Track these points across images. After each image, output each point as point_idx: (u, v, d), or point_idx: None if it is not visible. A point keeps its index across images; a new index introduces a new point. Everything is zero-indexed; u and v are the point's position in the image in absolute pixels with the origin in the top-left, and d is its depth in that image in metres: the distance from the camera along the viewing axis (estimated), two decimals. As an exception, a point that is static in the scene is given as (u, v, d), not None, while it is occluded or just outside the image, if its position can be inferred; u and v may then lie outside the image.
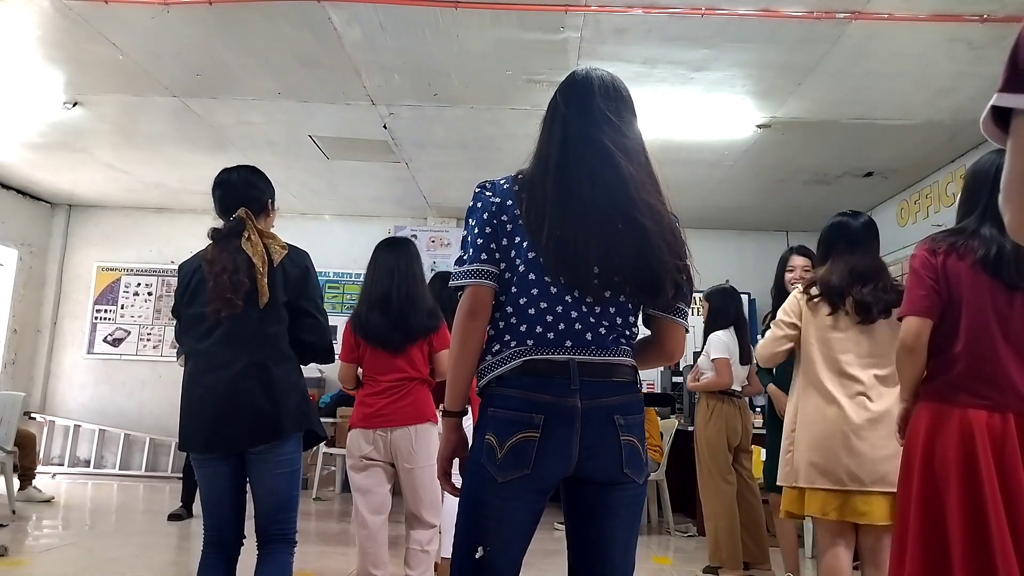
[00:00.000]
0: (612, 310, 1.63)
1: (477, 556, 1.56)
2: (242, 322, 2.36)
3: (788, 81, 4.44)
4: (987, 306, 2.05)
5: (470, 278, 1.63)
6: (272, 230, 2.62)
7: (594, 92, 1.74)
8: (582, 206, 1.60)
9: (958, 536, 1.94)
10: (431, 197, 7.32)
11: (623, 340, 1.65)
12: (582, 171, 1.63)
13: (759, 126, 5.11)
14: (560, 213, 1.60)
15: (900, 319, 2.18)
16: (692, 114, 4.97)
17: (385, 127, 5.44)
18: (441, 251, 7.81)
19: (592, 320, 1.61)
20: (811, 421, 2.73)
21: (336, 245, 7.73)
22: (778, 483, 2.88)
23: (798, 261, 3.93)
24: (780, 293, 3.99)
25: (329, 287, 7.91)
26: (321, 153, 6.05)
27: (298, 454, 2.44)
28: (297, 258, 2.52)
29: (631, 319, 1.67)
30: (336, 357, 2.82)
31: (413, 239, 8.01)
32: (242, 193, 2.53)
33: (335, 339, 2.70)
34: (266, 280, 2.39)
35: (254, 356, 2.35)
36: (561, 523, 5.35)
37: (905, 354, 2.11)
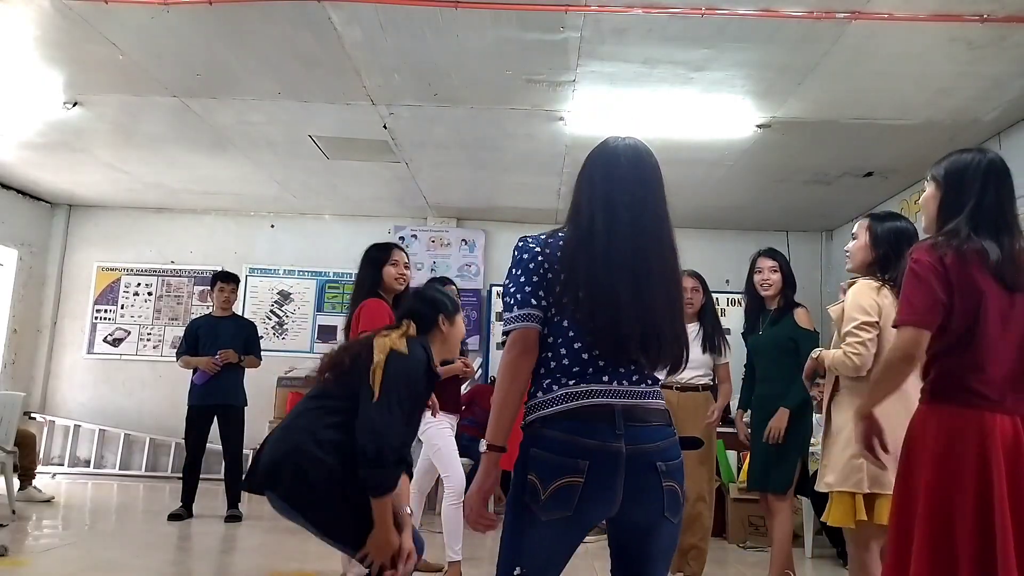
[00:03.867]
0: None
1: (516, 574, 1.67)
2: (315, 391, 2.51)
3: (788, 81, 4.44)
4: (996, 310, 2.03)
5: (520, 322, 1.72)
6: (446, 344, 2.65)
7: (620, 164, 1.81)
8: (611, 285, 1.70)
9: (967, 538, 1.93)
10: (431, 197, 7.32)
11: (657, 382, 1.78)
12: (610, 250, 1.72)
13: (759, 126, 5.11)
14: (593, 290, 1.70)
15: (895, 326, 2.11)
16: (692, 114, 4.97)
17: (385, 127, 5.44)
18: (441, 251, 7.81)
19: (632, 367, 1.72)
20: (890, 422, 2.67)
21: (336, 245, 7.74)
22: (842, 488, 2.74)
23: (766, 263, 4.02)
24: (751, 295, 4.11)
25: (329, 287, 7.91)
26: (321, 153, 6.05)
27: (285, 512, 2.37)
28: (396, 352, 2.41)
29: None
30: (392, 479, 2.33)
31: (413, 239, 8.03)
32: (410, 307, 2.66)
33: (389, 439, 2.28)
34: (371, 370, 2.35)
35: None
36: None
37: (905, 364, 2.06)
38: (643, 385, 1.73)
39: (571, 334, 1.71)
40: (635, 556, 1.73)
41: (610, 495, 1.63)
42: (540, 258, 1.75)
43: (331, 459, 2.29)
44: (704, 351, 4.10)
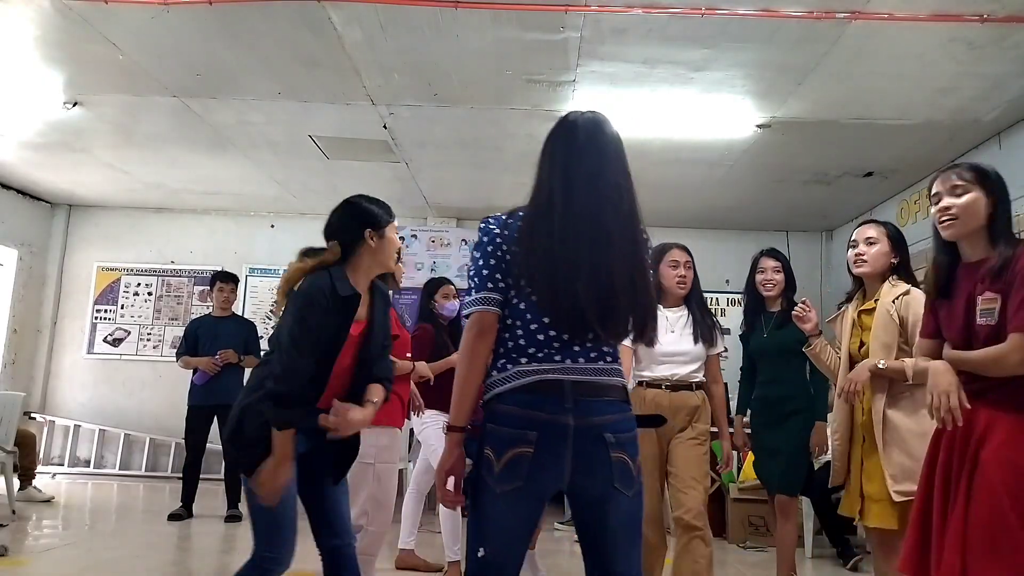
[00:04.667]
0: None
1: (479, 555, 1.72)
2: None
3: (788, 81, 4.44)
4: None
5: (478, 305, 1.76)
6: (376, 258, 2.47)
7: (578, 137, 1.83)
8: (568, 258, 1.73)
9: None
10: (431, 197, 7.32)
11: (615, 360, 1.81)
12: (567, 223, 1.75)
13: (759, 126, 5.11)
14: (550, 265, 1.73)
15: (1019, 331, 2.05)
16: (692, 114, 4.97)
17: (385, 127, 5.44)
18: (441, 251, 7.81)
19: (588, 344, 1.77)
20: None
21: (336, 245, 7.72)
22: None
23: (768, 263, 3.90)
24: (752, 295, 3.99)
25: (329, 287, 7.90)
26: (321, 153, 6.05)
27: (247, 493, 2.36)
28: (295, 291, 2.35)
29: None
30: (294, 417, 2.28)
31: (413, 239, 8.02)
32: (334, 223, 2.47)
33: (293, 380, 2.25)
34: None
35: None
36: (561, 523, 5.36)
37: (1015, 369, 2.04)
38: (601, 362, 1.77)
39: (528, 315, 1.75)
40: (596, 531, 1.78)
41: (559, 465, 1.68)
42: (499, 240, 1.79)
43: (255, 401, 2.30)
44: (696, 341, 3.44)
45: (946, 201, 2.23)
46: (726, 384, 3.76)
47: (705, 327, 3.48)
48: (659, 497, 3.44)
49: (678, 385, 3.41)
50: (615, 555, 1.76)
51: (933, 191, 2.30)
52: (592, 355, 1.76)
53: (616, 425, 1.73)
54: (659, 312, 3.11)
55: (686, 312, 3.49)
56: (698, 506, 3.24)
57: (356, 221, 2.43)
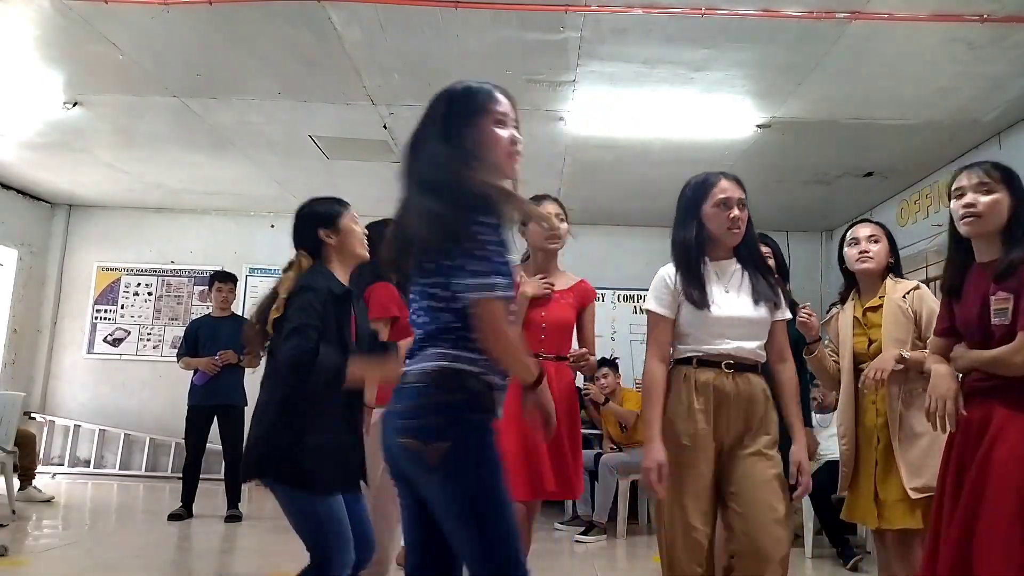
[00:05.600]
0: (421, 307, 1.78)
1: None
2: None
3: (788, 81, 4.45)
4: None
5: None
6: (343, 252, 2.56)
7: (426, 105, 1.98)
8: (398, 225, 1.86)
9: None
10: (431, 197, 7.31)
11: (433, 344, 1.73)
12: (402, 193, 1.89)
13: (759, 126, 5.11)
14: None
15: None
16: (692, 114, 4.97)
17: (385, 127, 5.44)
18: (441, 251, 7.81)
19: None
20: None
21: (336, 245, 7.72)
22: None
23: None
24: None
25: (329, 287, 7.91)
26: (321, 153, 6.06)
27: (291, 504, 2.27)
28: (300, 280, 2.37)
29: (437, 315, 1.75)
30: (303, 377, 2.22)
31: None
32: (293, 235, 2.58)
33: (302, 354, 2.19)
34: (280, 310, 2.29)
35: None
36: (561, 523, 5.33)
37: (1022, 368, 2.05)
38: (418, 345, 1.80)
39: None
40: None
41: (383, 451, 1.78)
42: None
43: (277, 419, 2.27)
44: (758, 303, 2.44)
45: (970, 197, 2.20)
46: None
47: (764, 284, 2.50)
48: (711, 527, 2.42)
49: (742, 365, 2.42)
50: (450, 541, 1.71)
51: (956, 186, 2.26)
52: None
53: (402, 413, 1.71)
54: (706, 266, 2.45)
55: (739, 266, 2.52)
56: (783, 556, 2.37)
57: (309, 225, 2.52)
